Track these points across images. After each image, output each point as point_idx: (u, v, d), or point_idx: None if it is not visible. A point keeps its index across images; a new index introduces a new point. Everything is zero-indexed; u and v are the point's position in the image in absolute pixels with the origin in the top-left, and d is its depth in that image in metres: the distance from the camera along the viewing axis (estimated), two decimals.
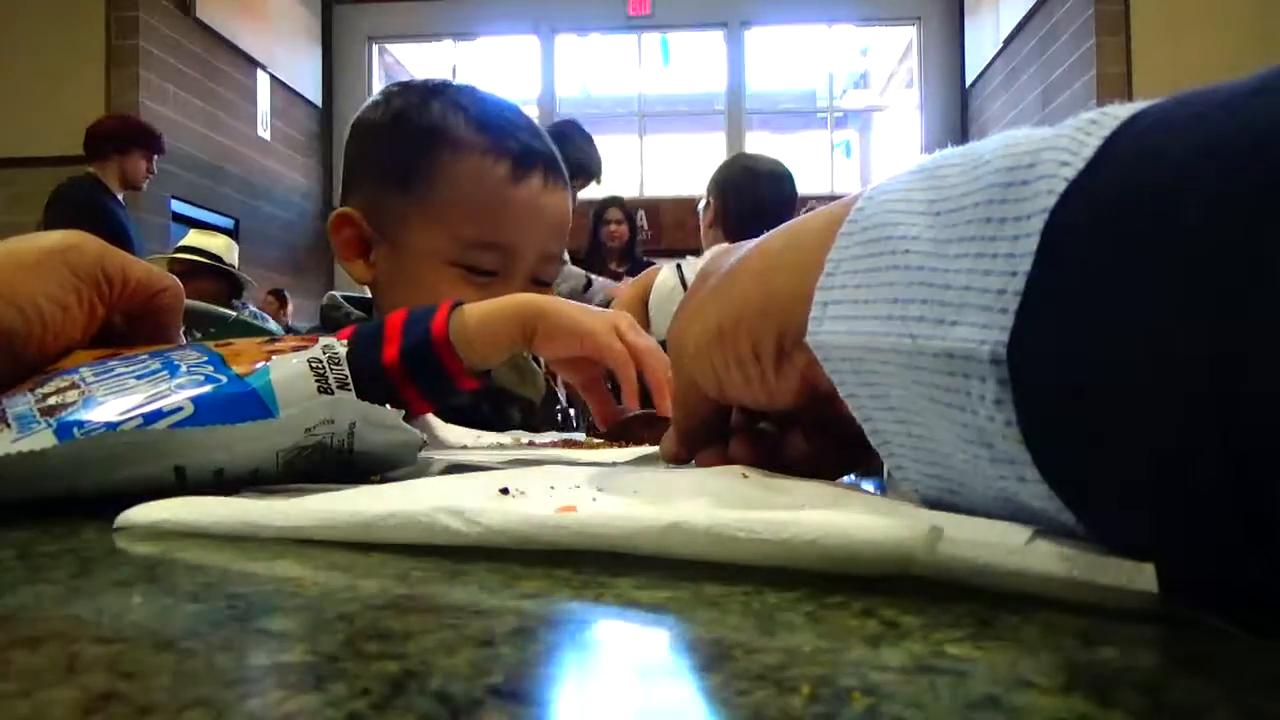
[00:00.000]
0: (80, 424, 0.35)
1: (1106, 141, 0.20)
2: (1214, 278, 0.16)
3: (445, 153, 0.87)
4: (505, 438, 0.73)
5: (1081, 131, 0.21)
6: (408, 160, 0.88)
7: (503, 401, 0.95)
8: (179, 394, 0.37)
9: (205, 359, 0.41)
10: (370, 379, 0.54)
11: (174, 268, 3.27)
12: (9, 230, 0.47)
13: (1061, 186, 0.20)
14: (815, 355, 0.28)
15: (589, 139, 2.99)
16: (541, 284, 0.92)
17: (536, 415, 0.98)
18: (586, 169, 2.86)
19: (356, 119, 0.95)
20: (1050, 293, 0.20)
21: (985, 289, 0.21)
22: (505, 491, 0.30)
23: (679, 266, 2.13)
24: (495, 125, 0.90)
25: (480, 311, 0.65)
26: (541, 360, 0.94)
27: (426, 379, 0.63)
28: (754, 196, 2.09)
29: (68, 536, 0.28)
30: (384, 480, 0.41)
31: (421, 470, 0.47)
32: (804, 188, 2.30)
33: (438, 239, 0.87)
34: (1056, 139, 0.21)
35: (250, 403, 0.38)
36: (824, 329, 0.27)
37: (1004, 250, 0.21)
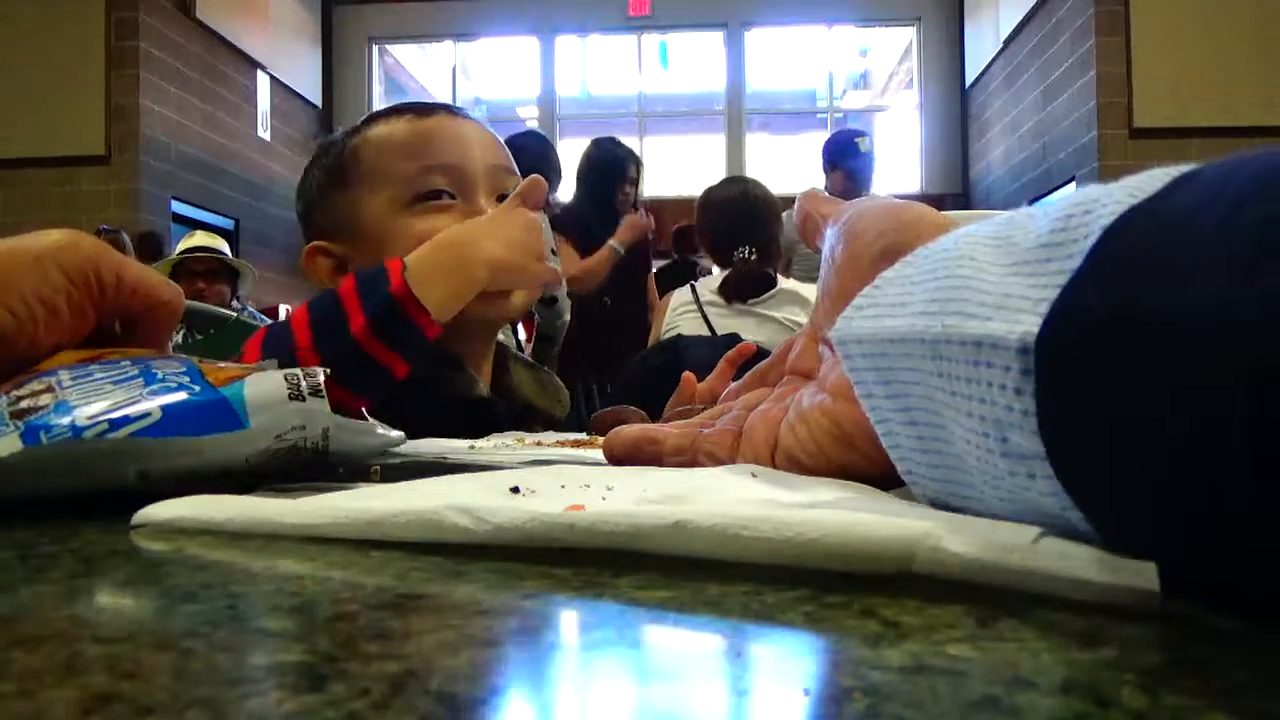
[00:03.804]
0: (47, 428, 0.35)
1: (1181, 177, 0.20)
2: (1261, 280, 0.16)
3: (359, 139, 0.94)
4: (508, 437, 0.73)
5: (1158, 175, 0.21)
6: (334, 164, 0.94)
7: (527, 417, 0.96)
8: (149, 401, 0.37)
9: (183, 369, 0.41)
10: (344, 354, 0.57)
11: (197, 266, 3.27)
12: (9, 230, 0.47)
13: (1123, 209, 0.20)
14: (837, 352, 0.28)
15: (549, 148, 2.85)
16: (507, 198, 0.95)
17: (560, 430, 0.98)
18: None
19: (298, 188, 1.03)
20: (1090, 291, 0.20)
21: (1028, 296, 0.21)
22: (516, 490, 0.30)
23: (693, 287, 2.30)
24: (395, 105, 0.97)
25: (419, 255, 0.72)
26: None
27: (398, 337, 0.68)
28: (727, 219, 2.31)
29: (68, 536, 0.28)
30: (386, 476, 0.41)
31: (431, 469, 0.47)
32: (804, 190, 2.37)
33: (385, 193, 0.90)
34: (1131, 180, 0.22)
35: (220, 411, 0.38)
36: (850, 324, 0.28)
37: (1056, 268, 0.21)
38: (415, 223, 0.87)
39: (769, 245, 2.28)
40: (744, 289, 2.22)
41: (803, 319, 2.15)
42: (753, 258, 2.24)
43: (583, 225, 2.80)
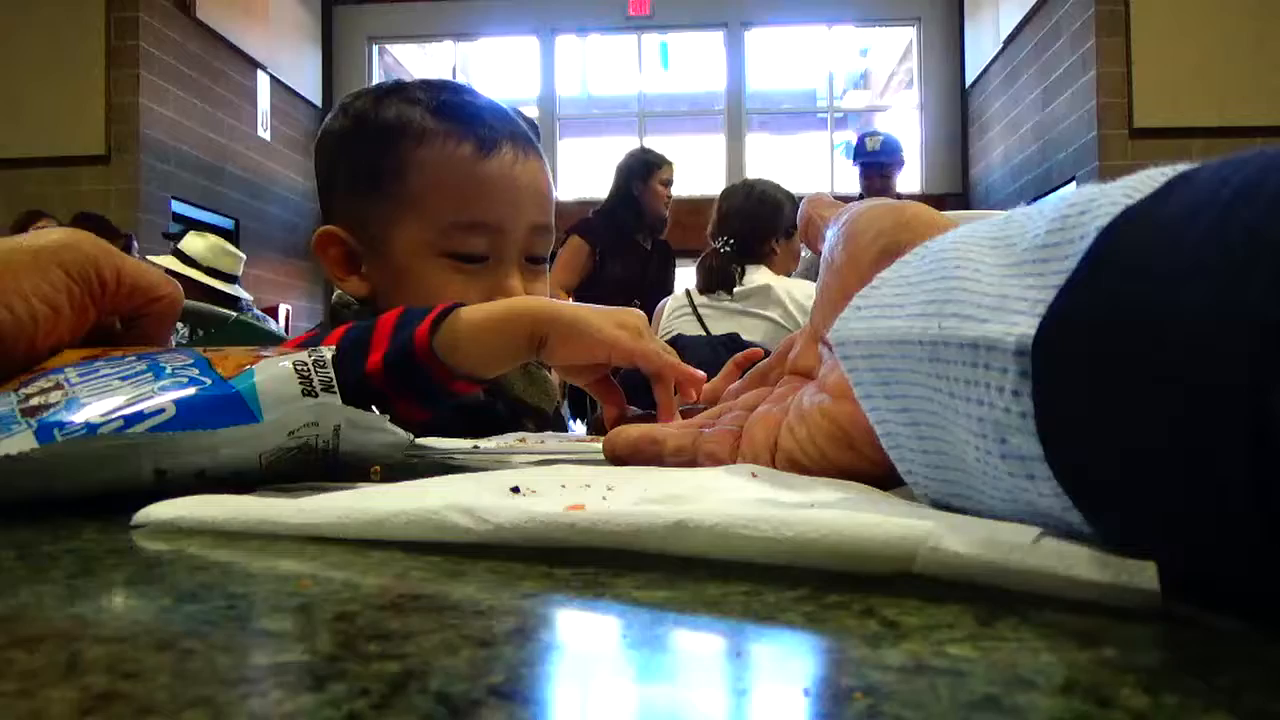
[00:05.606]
0: (61, 425, 0.34)
1: (1177, 177, 0.20)
2: (1255, 282, 0.16)
3: (410, 144, 0.87)
4: (511, 438, 0.73)
5: (1154, 176, 0.21)
6: (375, 160, 0.88)
7: (517, 411, 0.95)
8: (162, 396, 0.37)
9: (191, 361, 0.40)
10: (354, 386, 0.53)
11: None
12: (8, 230, 0.47)
13: (1119, 210, 0.20)
14: (836, 353, 0.28)
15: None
16: (535, 260, 0.91)
17: (550, 425, 0.98)
18: None
19: (320, 134, 0.95)
20: (1086, 293, 0.20)
21: (1025, 298, 0.21)
22: (516, 490, 0.30)
23: (687, 290, 2.36)
24: (453, 109, 0.90)
25: (480, 317, 0.63)
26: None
27: (413, 387, 0.62)
28: (723, 216, 2.39)
29: (68, 536, 0.28)
30: (386, 476, 0.41)
31: (433, 469, 0.47)
32: (804, 189, 2.39)
33: (421, 231, 0.86)
34: (1127, 180, 0.21)
35: (233, 405, 0.38)
36: (848, 325, 0.28)
37: (1053, 269, 0.21)
38: (440, 278, 0.84)
39: (753, 241, 2.32)
40: (707, 281, 2.29)
41: (800, 319, 2.17)
42: (724, 250, 2.30)
43: (611, 224, 3.15)
